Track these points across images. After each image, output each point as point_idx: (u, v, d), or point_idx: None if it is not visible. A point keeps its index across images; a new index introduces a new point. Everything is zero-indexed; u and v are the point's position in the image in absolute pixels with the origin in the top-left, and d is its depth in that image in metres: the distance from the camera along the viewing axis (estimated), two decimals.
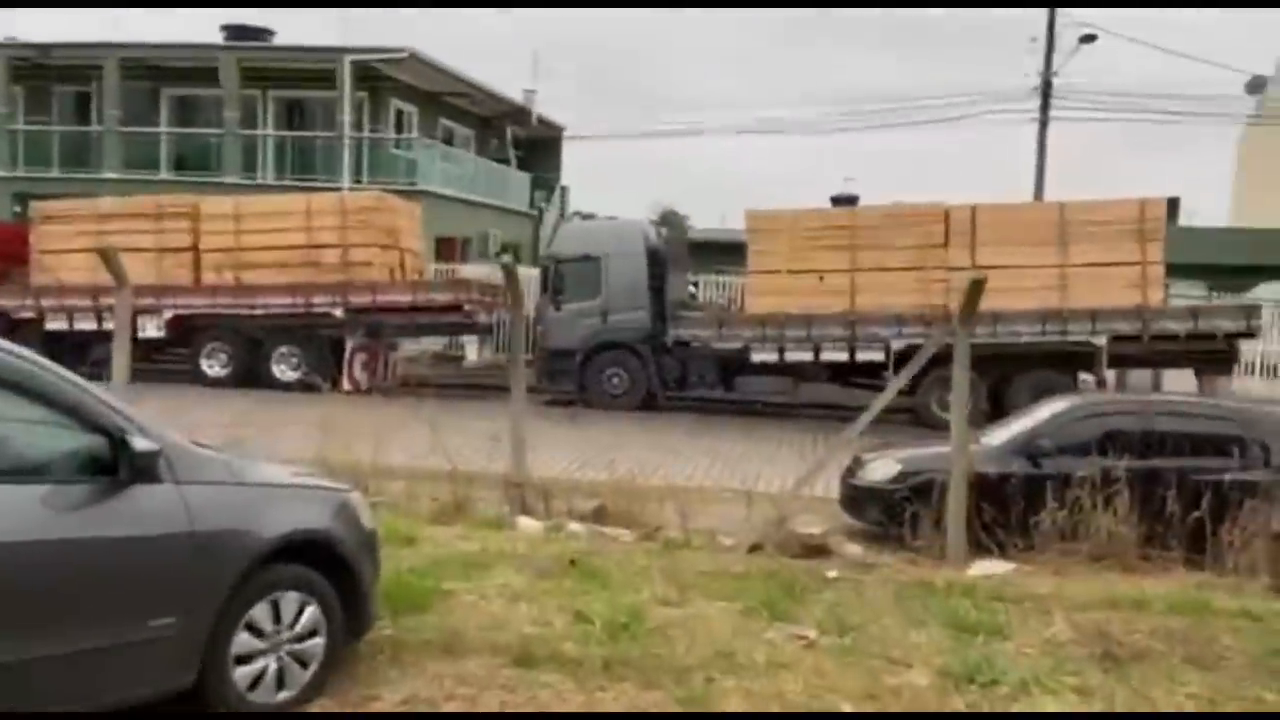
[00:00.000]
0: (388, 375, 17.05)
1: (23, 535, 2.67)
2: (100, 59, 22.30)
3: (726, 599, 5.21)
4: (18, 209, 20.96)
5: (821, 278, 14.57)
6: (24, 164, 23.00)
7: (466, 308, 15.86)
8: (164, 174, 22.66)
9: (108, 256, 7.46)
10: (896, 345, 14.07)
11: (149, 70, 23.08)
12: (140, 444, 2.94)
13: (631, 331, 15.30)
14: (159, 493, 3.03)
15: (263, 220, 15.98)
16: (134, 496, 2.96)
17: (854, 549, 6.79)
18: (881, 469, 7.49)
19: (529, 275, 21.20)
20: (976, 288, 6.48)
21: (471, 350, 16.47)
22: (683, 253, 16.22)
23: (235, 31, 23.84)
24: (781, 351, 14.70)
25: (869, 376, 15.30)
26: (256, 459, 3.71)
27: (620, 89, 56.08)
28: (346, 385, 15.81)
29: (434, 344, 19.44)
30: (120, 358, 7.48)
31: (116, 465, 2.93)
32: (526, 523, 6.98)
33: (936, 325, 13.92)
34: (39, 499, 2.77)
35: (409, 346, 18.25)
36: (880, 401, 7.17)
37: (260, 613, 3.29)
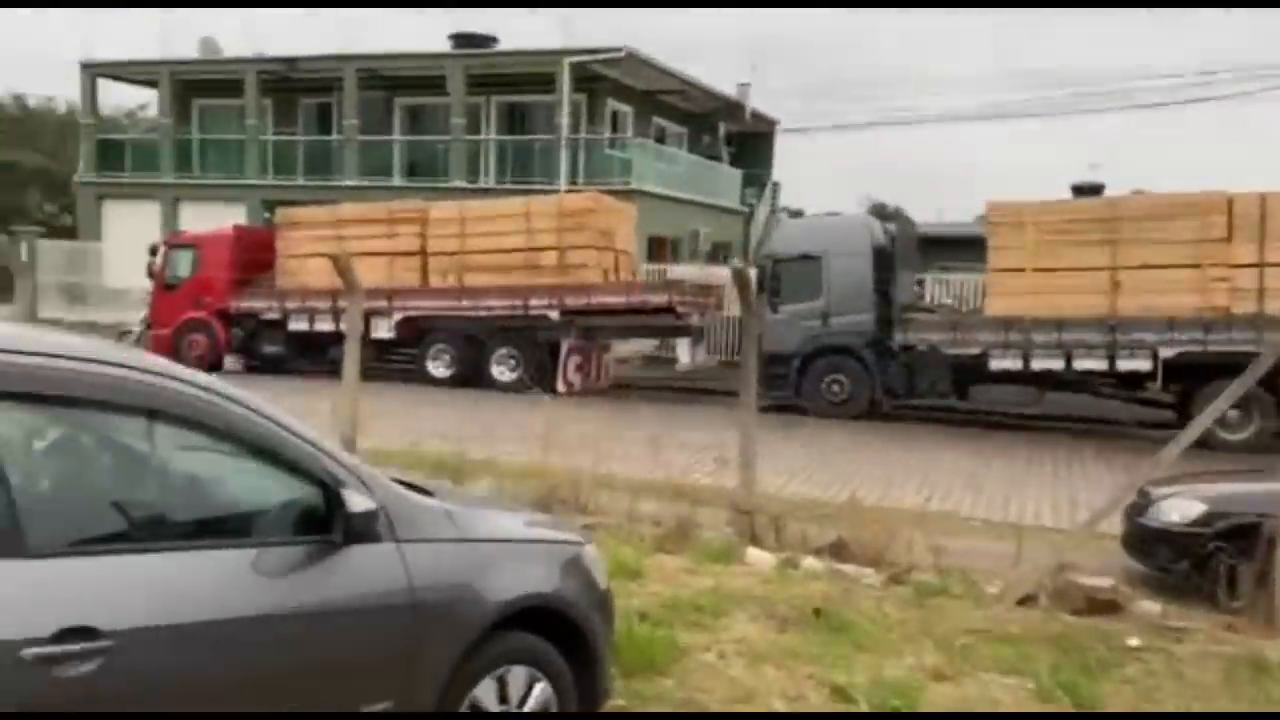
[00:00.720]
0: (601, 377, 16.94)
1: (224, 610, 2.31)
2: (339, 71, 23.63)
3: (1009, 672, 4.37)
4: (267, 215, 22.57)
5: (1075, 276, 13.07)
6: (273, 173, 24.76)
7: (679, 309, 15.45)
8: (396, 180, 23.74)
9: (341, 265, 7.47)
10: (1166, 353, 12.40)
11: (383, 81, 24.25)
12: (358, 501, 2.53)
13: (854, 335, 14.37)
14: (378, 555, 2.62)
15: (485, 224, 16.23)
16: (350, 560, 2.55)
17: (1150, 607, 5.70)
18: (1181, 507, 6.31)
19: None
20: None
21: (684, 353, 16.05)
22: (911, 250, 15.09)
23: (462, 40, 24.66)
24: (1026, 358, 13.33)
25: (1130, 387, 13.66)
26: (483, 505, 3.29)
27: (832, 80, 54.38)
28: (561, 387, 15.80)
29: (646, 346, 19.23)
30: (351, 365, 7.47)
31: (330, 523, 2.54)
32: (756, 555, 6.34)
33: (1217, 330, 12.23)
34: (241, 565, 2.40)
35: (621, 348, 18.09)
36: (1199, 424, 6.00)
37: (485, 691, 2.83)
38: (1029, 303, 13.14)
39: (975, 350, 13.59)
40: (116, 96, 31.02)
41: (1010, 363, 13.45)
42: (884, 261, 14.53)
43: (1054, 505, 9.16)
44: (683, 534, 6.72)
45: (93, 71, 25.75)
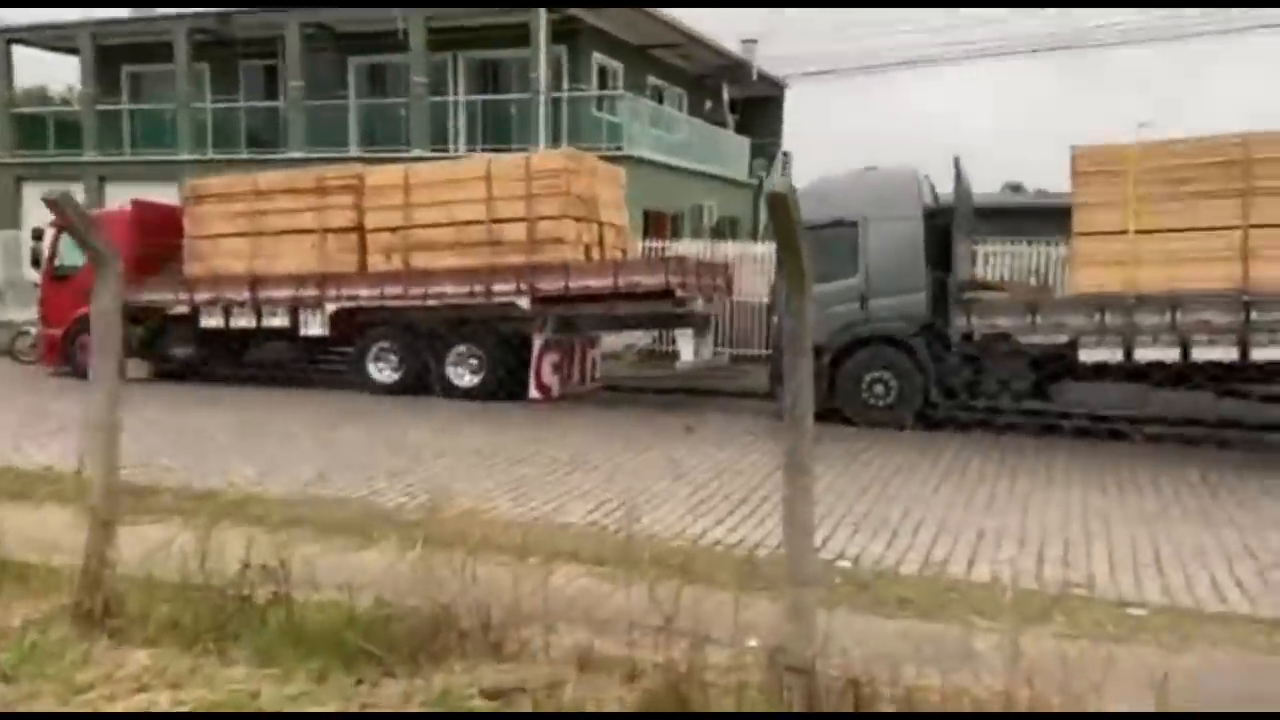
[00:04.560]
0: (585, 378, 13.83)
1: None
2: (281, 27, 20.47)
3: None
4: None
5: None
6: (212, 146, 21.65)
7: (680, 293, 12.29)
8: (353, 150, 20.62)
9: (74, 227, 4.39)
10: None
11: (334, 38, 21.10)
12: None
13: (902, 321, 11.24)
14: None
15: (434, 191, 13.09)
16: None
17: None
18: None
19: (754, 252, 17.57)
20: None
21: (686, 347, 12.91)
22: (968, 213, 11.92)
23: None
24: (1128, 347, 10.20)
25: (1267, 382, 10.53)
26: None
27: (843, 37, 50.57)
28: (534, 392, 12.73)
29: (641, 338, 16.11)
30: (106, 362, 4.42)
31: None
32: None
33: None
34: None
35: (611, 341, 14.96)
36: None
37: None
38: (1129, 276, 10.02)
39: (1061, 338, 10.46)
40: (50, 73, 27.87)
41: (1107, 354, 10.33)
42: (938, 227, 11.39)
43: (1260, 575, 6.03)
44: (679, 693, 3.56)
45: (5, 37, 22.64)
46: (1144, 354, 10.20)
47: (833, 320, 11.36)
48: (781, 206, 3.10)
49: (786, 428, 3.38)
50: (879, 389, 11.28)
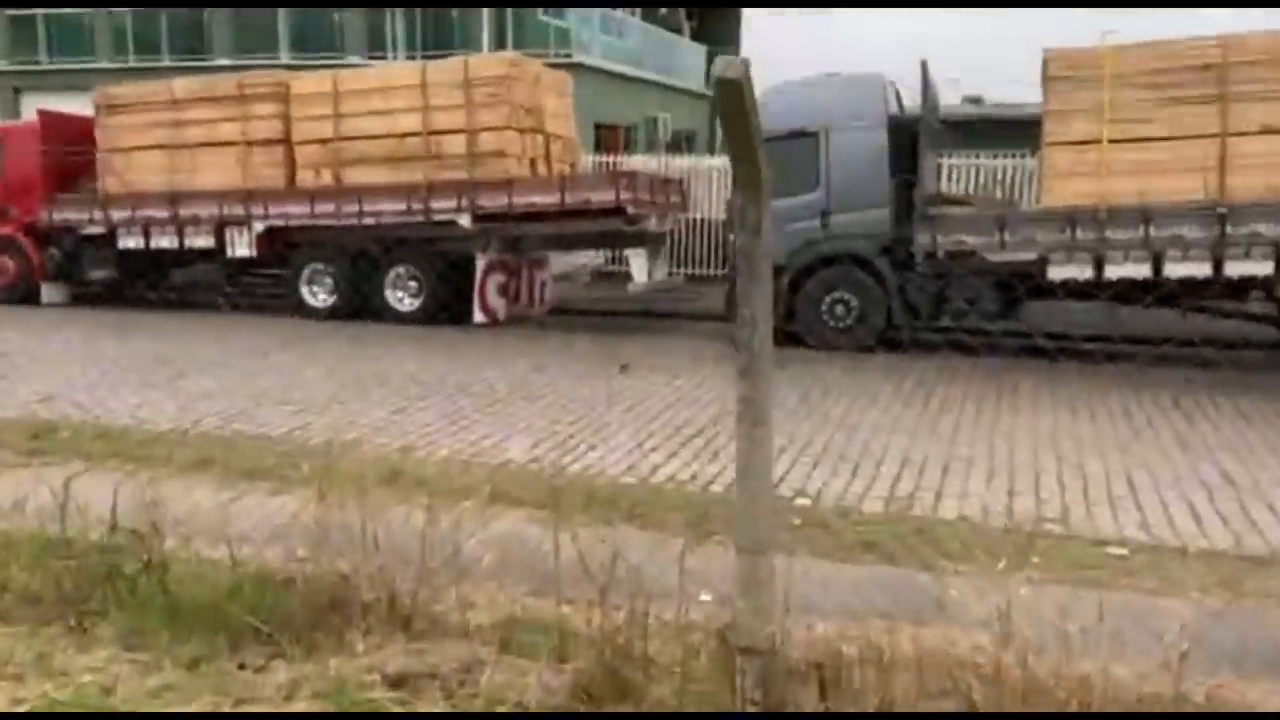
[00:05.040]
0: (534, 301, 13.16)
1: None
2: None
3: None
4: None
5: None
6: (134, 54, 20.22)
7: (632, 211, 11.60)
8: (284, 57, 19.32)
9: None
10: None
11: None
12: None
13: (865, 239, 10.69)
14: None
15: (366, 99, 12.14)
16: None
17: None
18: None
19: (711, 166, 16.83)
20: None
21: (639, 268, 12.25)
22: (933, 125, 11.27)
23: None
24: (1099, 263, 9.77)
25: (1236, 297, 10.20)
26: None
27: None
28: (479, 315, 12.08)
29: (592, 258, 15.42)
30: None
31: None
32: None
33: None
34: None
35: (562, 262, 14.26)
36: None
37: None
38: (1103, 188, 9.52)
39: (1030, 255, 9.98)
40: None
41: (1077, 270, 9.89)
42: (903, 138, 10.75)
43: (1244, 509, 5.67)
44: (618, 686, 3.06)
45: None
46: (1115, 270, 9.78)
47: (792, 238, 10.78)
48: (733, 94, 2.49)
49: (740, 368, 2.81)
50: (840, 310, 10.78)
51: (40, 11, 21.19)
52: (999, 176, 14.99)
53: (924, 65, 10.19)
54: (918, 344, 10.55)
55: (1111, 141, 9.73)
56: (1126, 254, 9.71)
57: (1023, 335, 10.38)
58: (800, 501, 5.79)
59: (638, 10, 23.31)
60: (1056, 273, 9.95)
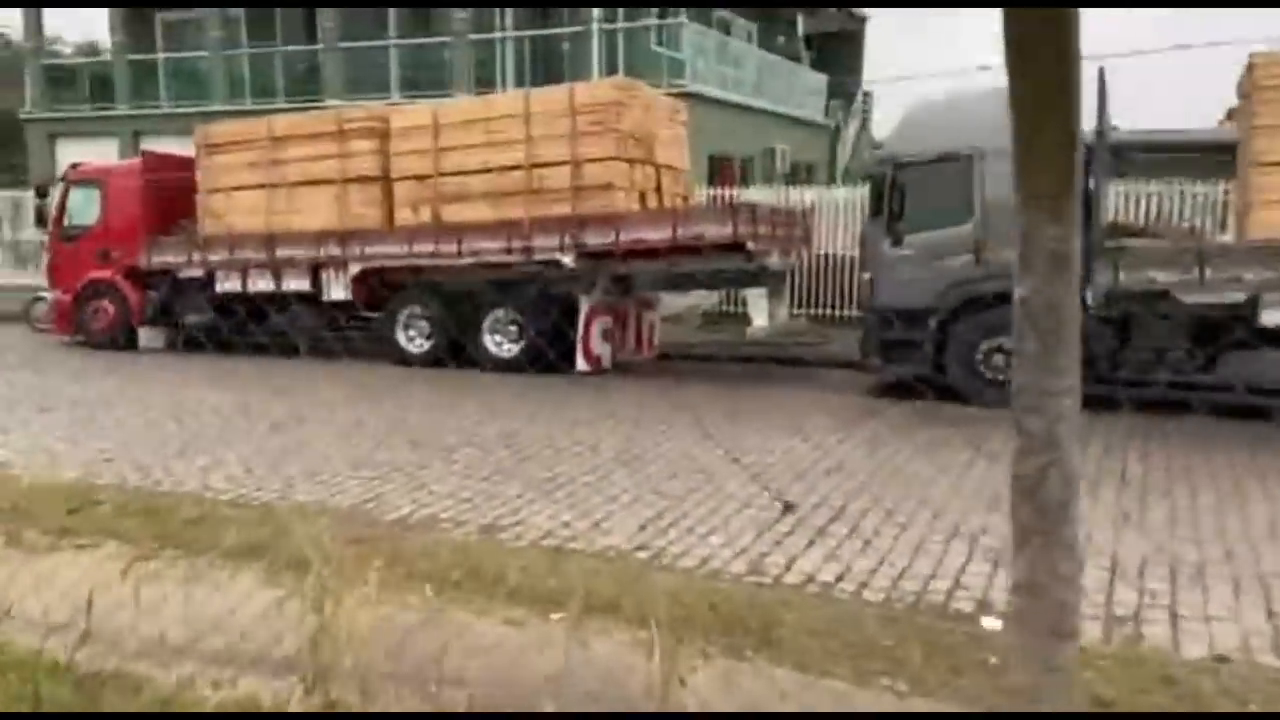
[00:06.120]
0: (642, 346, 12.05)
1: None
2: None
3: None
4: None
5: None
6: (250, 95, 20.23)
7: (752, 247, 10.36)
8: (395, 95, 18.99)
9: None
10: None
11: None
12: None
13: None
14: None
15: (467, 132, 11.33)
16: None
17: None
18: None
19: (837, 198, 15.50)
20: None
21: (759, 310, 10.98)
22: (1108, 145, 9.68)
23: None
24: None
25: None
26: None
27: None
28: (583, 363, 11.00)
29: (705, 299, 14.23)
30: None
31: None
32: None
33: None
34: None
35: (671, 302, 13.11)
36: None
37: None
38: None
39: (1238, 296, 8.31)
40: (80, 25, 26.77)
41: None
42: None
43: None
44: None
45: None
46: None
47: (939, 276, 9.39)
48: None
49: (1025, 459, 1.56)
50: (998, 360, 9.26)
51: (160, 56, 21.55)
52: (1174, 206, 13.16)
53: (1101, 74, 8.68)
54: (1094, 400, 8.90)
55: None
56: None
57: (1224, 390, 8.66)
58: (988, 624, 4.41)
59: (754, 41, 22.25)
60: (1271, 317, 8.24)
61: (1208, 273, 8.35)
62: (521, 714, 2.83)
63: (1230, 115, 9.98)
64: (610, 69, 17.38)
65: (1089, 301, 8.84)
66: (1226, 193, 12.38)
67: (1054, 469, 1.51)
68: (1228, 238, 10.60)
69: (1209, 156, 10.85)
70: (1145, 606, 4.53)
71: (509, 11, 19.31)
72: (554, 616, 4.31)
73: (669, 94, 13.68)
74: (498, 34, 19.07)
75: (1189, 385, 8.59)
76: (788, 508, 4.70)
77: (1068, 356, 1.45)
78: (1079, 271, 1.50)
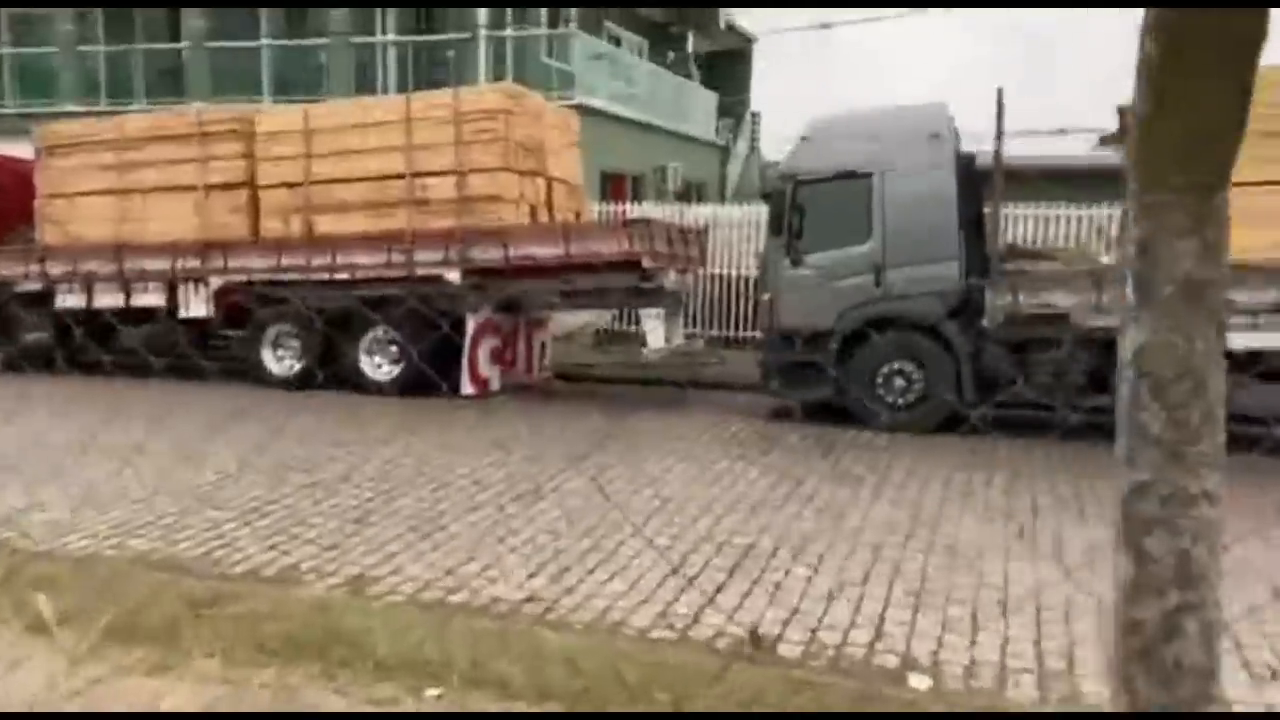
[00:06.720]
0: (531, 367, 11.43)
1: None
2: None
3: None
4: None
5: None
6: (105, 96, 18.74)
7: (648, 265, 9.91)
8: (265, 99, 17.85)
9: None
10: None
11: None
12: None
13: (929, 298, 8.98)
14: None
15: (342, 137, 10.54)
16: None
17: None
18: None
19: (733, 216, 15.23)
20: None
21: (654, 331, 10.51)
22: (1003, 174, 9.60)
23: None
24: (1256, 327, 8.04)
25: None
26: None
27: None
28: (468, 386, 10.31)
29: (598, 317, 13.71)
30: None
31: None
32: None
33: None
34: None
35: (563, 321, 12.54)
36: None
37: None
38: (1257, 237, 7.82)
39: None
40: None
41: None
42: (972, 182, 9.13)
43: None
44: None
45: None
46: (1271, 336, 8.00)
47: (840, 297, 9.12)
48: None
49: (1143, 598, 1.07)
50: (899, 382, 9.03)
51: (4, 51, 19.81)
52: (1064, 229, 13.34)
53: (999, 94, 8.58)
54: (996, 423, 8.76)
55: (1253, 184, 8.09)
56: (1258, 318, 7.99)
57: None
58: (915, 683, 3.99)
59: (644, 56, 21.96)
60: None
61: (1104, 296, 8.29)
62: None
63: (1104, 140, 10.11)
64: (498, 79, 16.75)
65: (986, 325, 8.73)
66: (1109, 217, 12.63)
67: (1190, 619, 1.04)
68: (1109, 259, 10.70)
69: (1090, 180, 11.01)
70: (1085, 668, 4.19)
71: (390, 13, 18.45)
72: (430, 693, 3.70)
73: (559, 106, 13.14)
74: (379, 38, 18.19)
75: (1096, 408, 8.53)
76: (755, 639, 4.22)
77: (1212, 441, 0.98)
78: (1224, 313, 1.03)
